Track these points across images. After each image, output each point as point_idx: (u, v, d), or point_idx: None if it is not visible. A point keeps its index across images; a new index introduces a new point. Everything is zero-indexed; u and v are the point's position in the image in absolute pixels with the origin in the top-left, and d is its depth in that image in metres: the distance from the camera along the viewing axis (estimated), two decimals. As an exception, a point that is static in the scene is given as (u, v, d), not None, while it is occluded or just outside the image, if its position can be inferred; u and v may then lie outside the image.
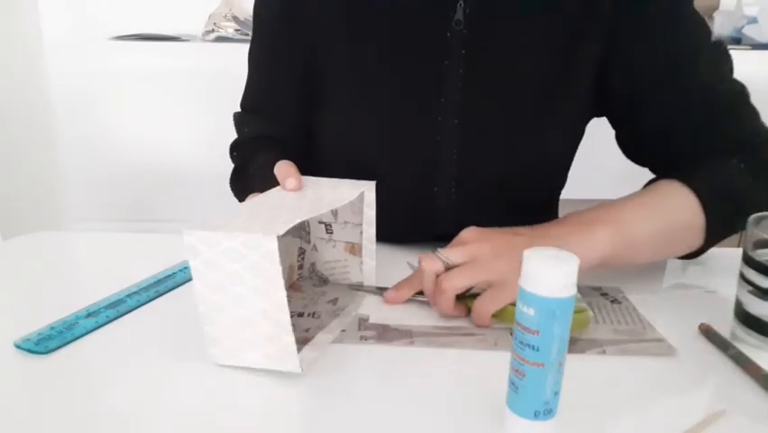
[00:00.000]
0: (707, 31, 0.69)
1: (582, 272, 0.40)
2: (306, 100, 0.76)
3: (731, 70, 0.69)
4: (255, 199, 0.55)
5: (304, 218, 0.49)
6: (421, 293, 0.59)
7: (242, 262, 0.45)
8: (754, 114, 0.69)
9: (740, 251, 0.54)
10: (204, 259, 0.46)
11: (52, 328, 0.54)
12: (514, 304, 0.40)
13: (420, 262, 0.57)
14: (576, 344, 0.53)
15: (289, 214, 0.50)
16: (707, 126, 0.67)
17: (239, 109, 0.83)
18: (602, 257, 0.56)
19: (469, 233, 0.58)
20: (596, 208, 0.61)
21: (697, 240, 0.63)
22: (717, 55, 0.69)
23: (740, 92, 0.69)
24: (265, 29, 0.76)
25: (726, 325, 0.55)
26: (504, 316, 0.55)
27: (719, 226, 0.63)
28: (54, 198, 2.12)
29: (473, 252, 0.56)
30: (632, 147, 0.75)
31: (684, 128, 0.68)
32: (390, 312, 0.58)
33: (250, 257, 0.45)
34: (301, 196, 0.56)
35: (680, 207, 0.62)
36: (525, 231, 0.59)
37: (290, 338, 0.46)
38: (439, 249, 0.57)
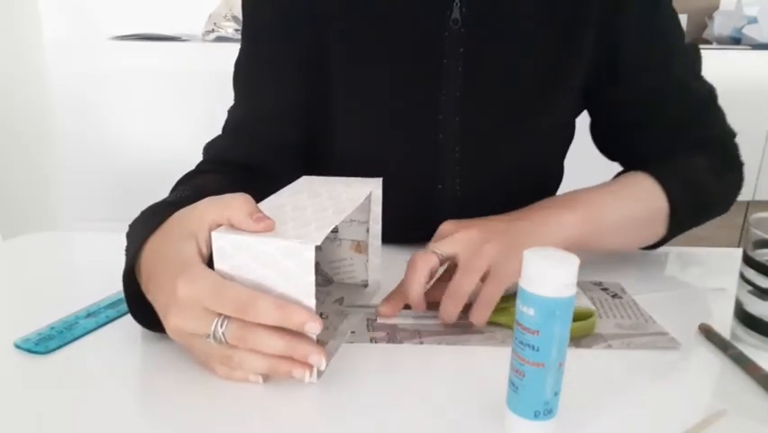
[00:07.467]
0: (681, 32, 0.73)
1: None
2: (305, 107, 0.74)
3: (701, 71, 0.74)
4: (270, 201, 0.53)
5: (335, 223, 0.48)
6: (408, 307, 0.57)
7: (273, 268, 0.44)
8: (721, 114, 0.74)
9: (740, 251, 0.54)
10: (233, 263, 0.45)
11: (52, 328, 0.54)
12: (514, 298, 0.40)
13: (413, 261, 0.55)
14: (582, 338, 0.54)
15: (315, 215, 0.49)
16: (678, 124, 0.72)
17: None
18: (570, 238, 0.58)
19: (448, 225, 0.59)
20: (567, 194, 0.63)
21: (661, 228, 0.66)
22: (691, 56, 0.73)
23: (710, 92, 0.73)
24: (262, 38, 0.72)
25: (726, 325, 0.55)
26: (505, 318, 0.55)
27: (682, 216, 0.66)
28: (54, 198, 2.12)
29: (462, 240, 0.56)
30: (605, 140, 0.79)
31: (657, 125, 0.72)
32: None
33: (283, 263, 0.44)
34: (317, 194, 0.55)
35: (646, 194, 0.65)
36: (501, 217, 0.60)
37: None
38: (429, 244, 0.57)
